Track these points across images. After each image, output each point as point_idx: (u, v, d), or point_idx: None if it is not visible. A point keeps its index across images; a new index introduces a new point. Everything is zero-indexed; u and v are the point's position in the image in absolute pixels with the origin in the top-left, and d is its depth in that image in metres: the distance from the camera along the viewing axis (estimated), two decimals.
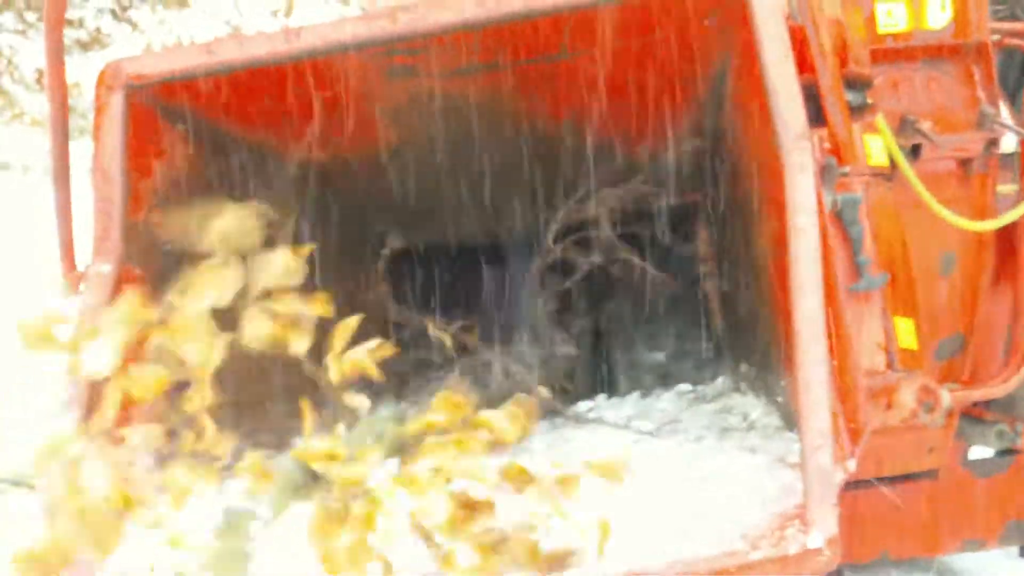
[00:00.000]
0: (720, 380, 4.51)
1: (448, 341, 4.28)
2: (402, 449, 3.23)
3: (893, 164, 4.18)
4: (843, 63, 3.98)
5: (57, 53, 3.91)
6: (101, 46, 17.24)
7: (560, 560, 3.08)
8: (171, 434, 3.25)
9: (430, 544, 3.05)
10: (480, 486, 3.12)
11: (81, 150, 3.81)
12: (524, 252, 4.64)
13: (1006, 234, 4.75)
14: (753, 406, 4.08)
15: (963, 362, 4.75)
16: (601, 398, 4.53)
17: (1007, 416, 4.86)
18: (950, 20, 4.54)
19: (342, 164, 4.17)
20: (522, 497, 3.15)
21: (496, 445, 3.21)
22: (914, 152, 4.45)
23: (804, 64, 3.63)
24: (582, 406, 4.45)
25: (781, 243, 3.33)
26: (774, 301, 3.64)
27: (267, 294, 3.14)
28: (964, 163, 4.64)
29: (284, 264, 3.14)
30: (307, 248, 3.15)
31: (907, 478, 4.58)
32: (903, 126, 4.44)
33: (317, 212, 4.24)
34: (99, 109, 3.64)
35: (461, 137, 4.08)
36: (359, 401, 3.27)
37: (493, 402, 3.21)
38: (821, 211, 3.34)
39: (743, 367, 4.33)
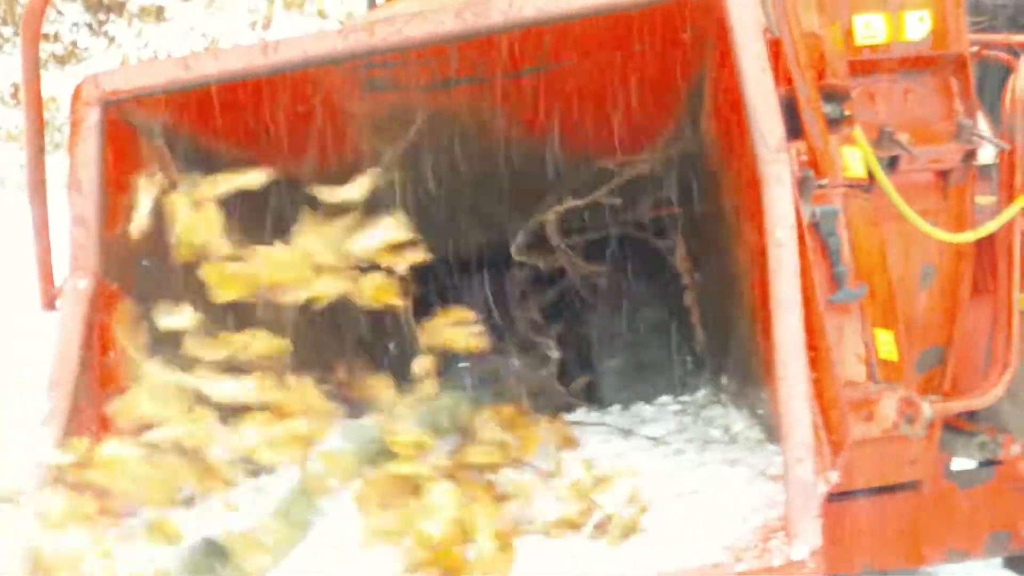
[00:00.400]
0: (701, 392, 4.51)
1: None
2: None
3: (871, 176, 4.18)
4: (821, 75, 3.98)
5: (33, 67, 3.89)
6: (78, 60, 17.24)
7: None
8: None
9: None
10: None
11: (57, 164, 3.80)
12: (503, 263, 4.63)
13: (985, 245, 4.76)
14: (734, 418, 4.07)
15: (944, 373, 4.75)
16: (581, 411, 4.52)
17: (989, 427, 4.87)
18: (928, 32, 4.55)
19: (321, 178, 4.16)
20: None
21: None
22: (892, 164, 4.46)
23: (781, 76, 3.63)
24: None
25: (759, 255, 3.33)
26: (754, 313, 3.64)
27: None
28: (942, 175, 4.65)
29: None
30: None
31: (890, 489, 4.59)
32: (881, 138, 4.44)
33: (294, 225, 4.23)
34: (75, 124, 3.63)
35: (440, 150, 4.07)
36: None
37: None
38: (799, 223, 3.33)
39: (724, 379, 4.33)
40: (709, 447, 3.92)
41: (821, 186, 3.77)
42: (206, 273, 3.33)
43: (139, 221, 3.37)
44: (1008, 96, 4.85)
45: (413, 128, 3.98)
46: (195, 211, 3.36)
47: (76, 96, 3.65)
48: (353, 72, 3.79)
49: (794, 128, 3.63)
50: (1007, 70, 5.03)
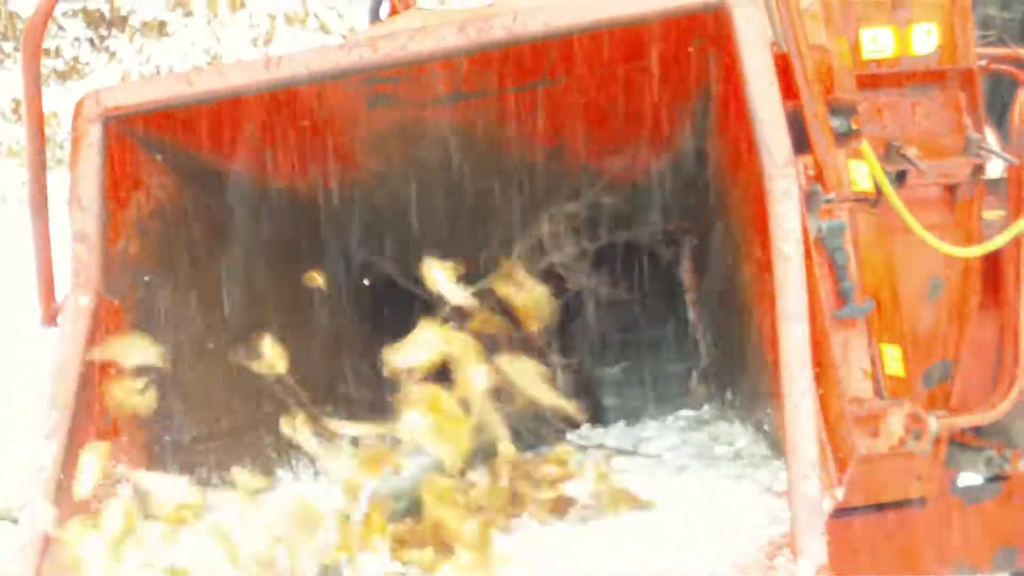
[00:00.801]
0: (706, 408, 4.50)
1: None
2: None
3: (878, 190, 4.16)
4: (828, 89, 3.96)
5: (34, 83, 3.88)
6: (79, 76, 17.25)
7: None
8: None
9: None
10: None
11: (59, 180, 3.79)
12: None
13: (993, 260, 4.74)
14: (740, 434, 4.06)
15: (951, 388, 4.73)
16: (586, 427, 4.50)
17: (996, 442, 4.85)
18: (936, 46, 4.53)
19: (323, 193, 4.14)
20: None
21: None
22: (899, 178, 4.44)
23: (788, 90, 3.62)
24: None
25: (766, 270, 3.31)
26: (760, 329, 3.62)
27: None
28: (950, 189, 4.63)
29: None
30: None
31: (897, 505, 4.56)
32: (888, 152, 4.42)
33: (298, 242, 4.22)
34: (77, 139, 3.62)
35: (444, 165, 4.06)
36: None
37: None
38: (806, 238, 3.32)
39: (729, 395, 4.32)
40: (714, 463, 3.91)
41: (828, 200, 3.75)
42: None
43: None
44: (1017, 110, 4.84)
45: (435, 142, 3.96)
46: None
47: (77, 112, 3.64)
48: (356, 87, 3.77)
49: (801, 142, 3.61)
50: (1016, 84, 5.02)
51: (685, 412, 4.53)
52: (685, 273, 4.60)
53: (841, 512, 3.32)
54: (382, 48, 3.60)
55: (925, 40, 4.52)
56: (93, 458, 3.14)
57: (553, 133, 4.02)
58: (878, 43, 4.50)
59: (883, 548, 4.69)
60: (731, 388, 4.31)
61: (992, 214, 4.82)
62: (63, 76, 17.17)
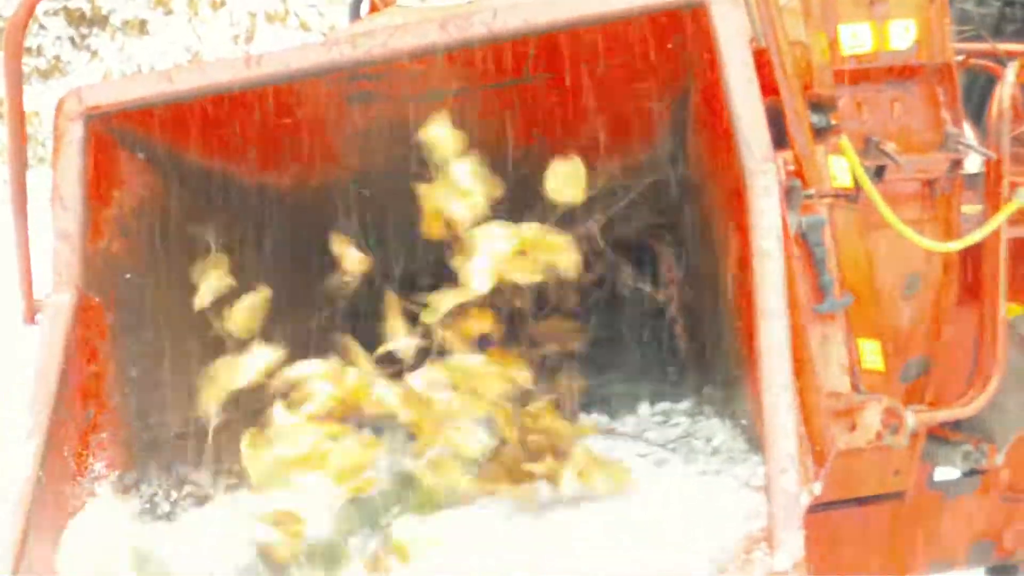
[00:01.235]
0: (685, 402, 4.50)
1: None
2: None
3: (858, 185, 4.18)
4: (807, 85, 3.98)
5: (16, 81, 3.88)
6: (60, 74, 17.22)
7: None
8: None
9: None
10: None
11: (40, 179, 3.79)
12: None
13: (971, 255, 4.76)
14: (718, 429, 4.06)
15: (928, 383, 4.75)
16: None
17: (973, 437, 4.87)
18: (914, 41, 4.55)
19: (305, 191, 4.15)
20: None
21: None
22: (878, 173, 4.46)
23: (768, 86, 3.63)
24: None
25: (745, 265, 3.32)
26: (738, 324, 3.63)
27: None
28: (929, 184, 4.65)
29: None
30: None
31: (874, 499, 4.58)
32: (867, 147, 4.44)
33: (280, 240, 4.22)
34: (58, 138, 3.62)
35: (425, 162, 4.06)
36: None
37: None
38: (786, 233, 3.33)
39: (708, 389, 4.32)
40: (692, 457, 3.91)
41: (808, 196, 3.76)
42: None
43: None
44: (994, 105, 4.86)
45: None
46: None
47: (59, 110, 3.64)
48: (337, 85, 3.78)
49: (780, 138, 3.62)
50: (993, 79, 5.04)
51: (663, 406, 4.53)
52: (665, 268, 4.60)
53: (819, 506, 3.34)
54: (362, 45, 3.60)
55: (903, 35, 4.54)
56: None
57: (533, 130, 4.03)
58: (857, 38, 4.52)
59: (861, 542, 4.71)
60: (710, 383, 4.32)
61: (970, 209, 4.84)
62: (45, 75, 17.15)
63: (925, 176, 4.64)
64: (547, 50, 3.71)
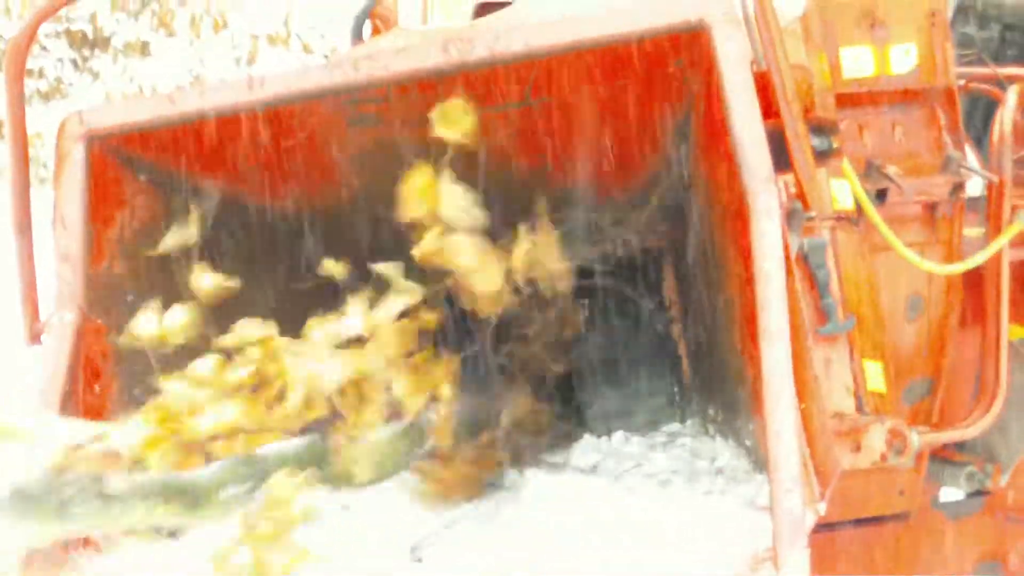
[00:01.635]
0: (689, 423, 4.50)
1: None
2: None
3: (859, 208, 4.18)
4: (808, 108, 3.98)
5: (18, 103, 3.88)
6: (62, 96, 17.22)
7: None
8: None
9: None
10: None
11: (42, 200, 3.79)
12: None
13: (973, 277, 4.76)
14: (722, 449, 4.07)
15: (932, 404, 4.74)
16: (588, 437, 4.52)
17: (977, 458, 4.87)
18: (915, 65, 4.55)
19: (307, 213, 4.15)
20: None
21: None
22: (880, 196, 4.46)
23: (769, 109, 3.63)
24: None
25: (748, 288, 3.32)
26: (741, 345, 3.63)
27: None
28: (930, 207, 4.66)
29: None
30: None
31: (878, 520, 4.58)
32: (869, 170, 4.45)
33: (282, 261, 4.22)
34: (60, 160, 3.62)
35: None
36: None
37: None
38: (787, 256, 3.33)
39: (711, 411, 4.32)
40: (696, 478, 3.91)
41: (809, 218, 3.76)
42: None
43: None
44: (995, 129, 4.86)
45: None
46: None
47: (61, 132, 3.64)
48: (338, 107, 3.78)
49: (782, 160, 3.62)
50: (994, 103, 5.04)
51: (668, 427, 4.53)
52: (668, 289, 4.60)
53: (823, 527, 3.34)
54: (364, 68, 3.60)
55: (904, 59, 4.55)
56: None
57: (535, 152, 4.03)
58: (858, 62, 4.52)
59: (865, 563, 4.70)
60: (714, 404, 4.31)
61: (972, 231, 4.84)
62: (46, 96, 17.15)
63: (927, 199, 4.65)
64: (548, 73, 3.71)
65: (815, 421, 3.32)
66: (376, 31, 6.18)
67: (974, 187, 4.84)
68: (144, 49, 18.02)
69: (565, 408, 4.75)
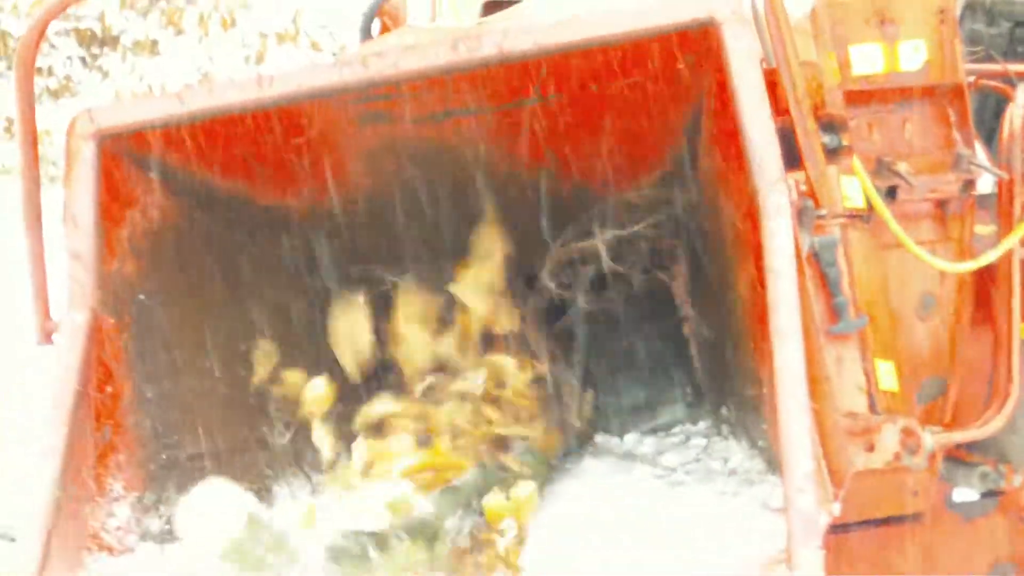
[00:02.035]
0: (701, 424, 4.49)
1: None
2: None
3: (870, 206, 4.17)
4: (818, 105, 3.97)
5: (28, 101, 3.88)
6: (71, 94, 17.22)
7: None
8: None
9: None
10: None
11: (52, 198, 3.79)
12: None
13: (985, 275, 4.75)
14: (735, 450, 4.07)
15: (945, 404, 4.73)
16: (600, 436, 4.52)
17: (990, 458, 4.85)
18: (925, 62, 4.54)
19: (317, 211, 4.15)
20: None
21: None
22: (890, 194, 4.45)
23: (779, 106, 3.62)
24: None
25: (759, 286, 3.31)
26: (753, 345, 3.63)
27: None
28: (941, 204, 4.64)
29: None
30: None
31: (892, 521, 4.56)
32: (879, 168, 4.43)
33: (293, 259, 4.22)
34: (70, 158, 3.62)
35: (437, 183, 4.06)
36: None
37: None
38: (798, 254, 3.32)
39: (724, 411, 4.32)
40: (709, 478, 3.91)
41: (820, 216, 3.75)
42: None
43: None
44: (1006, 125, 4.85)
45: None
46: None
47: (71, 131, 3.64)
48: (347, 105, 3.78)
49: (792, 158, 3.61)
50: (1004, 100, 5.03)
51: (680, 428, 4.53)
52: (679, 289, 4.59)
53: (837, 527, 3.32)
54: (373, 66, 3.60)
55: (913, 56, 4.53)
56: None
57: (544, 151, 4.02)
58: (867, 59, 4.51)
59: (879, 564, 4.69)
60: (726, 404, 4.31)
61: (983, 229, 4.82)
62: (55, 94, 17.16)
63: (937, 196, 4.63)
64: (558, 71, 3.70)
65: (828, 421, 3.31)
66: (385, 29, 6.18)
67: (984, 184, 4.82)
68: (153, 47, 18.02)
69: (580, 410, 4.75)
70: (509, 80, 3.72)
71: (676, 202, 4.21)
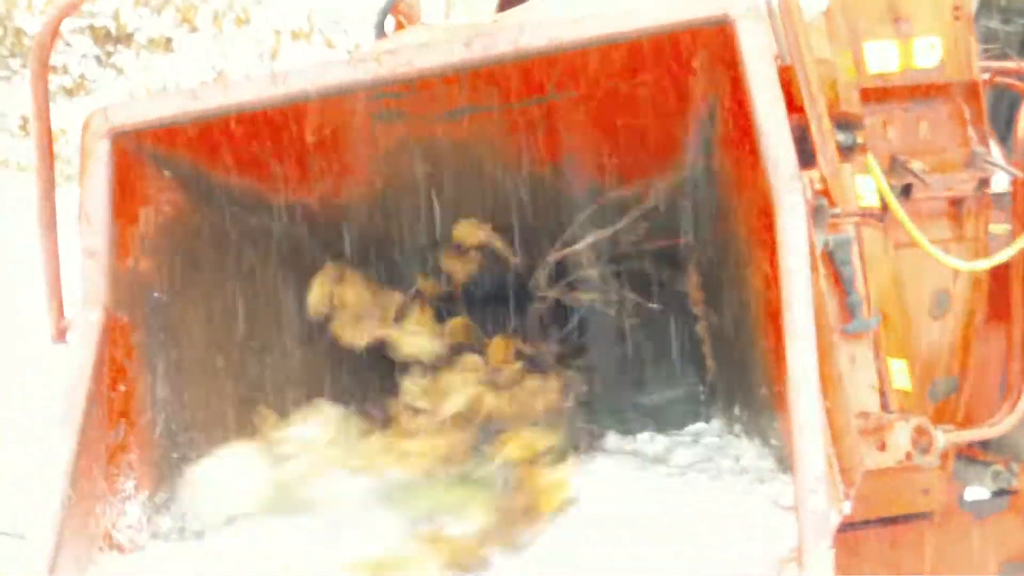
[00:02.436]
0: (713, 422, 4.49)
1: None
2: None
3: (884, 204, 4.17)
4: (833, 103, 3.97)
5: (43, 99, 3.88)
6: (86, 92, 17.25)
7: None
8: None
9: None
10: None
11: (67, 196, 3.79)
12: (521, 296, 4.61)
13: (999, 274, 4.74)
14: (747, 448, 4.06)
15: (958, 402, 4.73)
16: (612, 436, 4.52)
17: (1003, 456, 4.85)
18: (940, 59, 4.54)
19: (330, 208, 4.15)
20: None
21: None
22: (905, 192, 4.45)
23: (793, 104, 3.62)
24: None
25: (772, 285, 3.31)
26: (766, 343, 3.62)
27: None
28: (956, 203, 4.64)
29: None
30: None
31: (904, 519, 4.56)
32: (894, 166, 4.43)
33: (308, 257, 4.22)
34: (84, 156, 3.62)
35: (451, 181, 4.06)
36: None
37: None
38: (812, 252, 3.31)
39: (736, 409, 4.31)
40: (721, 477, 3.90)
41: (835, 215, 3.75)
42: None
43: None
44: (1021, 124, 4.84)
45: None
46: None
47: (85, 128, 3.64)
48: (362, 102, 3.78)
49: (806, 156, 3.61)
50: (1019, 97, 5.02)
51: (692, 426, 4.52)
52: (692, 287, 4.59)
53: (848, 526, 3.32)
54: (388, 63, 3.60)
55: (928, 53, 4.53)
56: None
57: (558, 148, 4.02)
58: (882, 57, 4.50)
59: (890, 562, 4.69)
60: (738, 402, 4.30)
61: (998, 228, 4.82)
62: (70, 92, 17.19)
63: (952, 195, 4.63)
64: (572, 68, 3.70)
65: (840, 419, 3.30)
66: (399, 26, 6.19)
67: (999, 183, 4.82)
68: (167, 45, 18.05)
69: (590, 406, 4.75)
70: (524, 77, 3.71)
71: (690, 200, 4.20)
